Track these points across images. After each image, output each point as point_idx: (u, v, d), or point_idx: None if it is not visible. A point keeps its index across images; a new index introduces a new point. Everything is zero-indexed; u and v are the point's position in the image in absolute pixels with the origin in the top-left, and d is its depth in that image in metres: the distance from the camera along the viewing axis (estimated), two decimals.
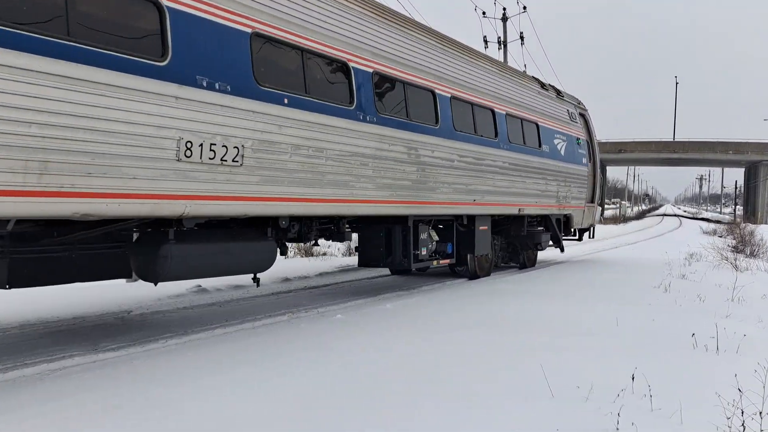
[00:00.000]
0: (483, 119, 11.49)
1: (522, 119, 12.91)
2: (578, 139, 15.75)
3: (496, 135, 11.78)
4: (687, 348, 6.08)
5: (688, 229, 43.23)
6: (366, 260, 10.35)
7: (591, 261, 17.19)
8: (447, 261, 11.26)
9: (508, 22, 32.75)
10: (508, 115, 12.28)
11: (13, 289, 6.44)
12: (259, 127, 6.83)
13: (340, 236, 9.14)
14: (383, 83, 9.04)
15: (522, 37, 33.62)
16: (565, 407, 4.37)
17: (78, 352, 6.29)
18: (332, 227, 9.05)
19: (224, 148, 6.43)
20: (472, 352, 5.92)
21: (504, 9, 32.80)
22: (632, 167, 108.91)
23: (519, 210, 12.79)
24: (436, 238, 10.96)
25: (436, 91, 10.14)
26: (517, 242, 14.30)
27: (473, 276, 12.49)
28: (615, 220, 56.32)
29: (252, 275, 7.79)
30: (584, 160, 16.04)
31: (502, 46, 32.59)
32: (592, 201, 16.75)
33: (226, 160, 6.46)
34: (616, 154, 64.01)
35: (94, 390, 4.83)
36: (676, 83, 76.31)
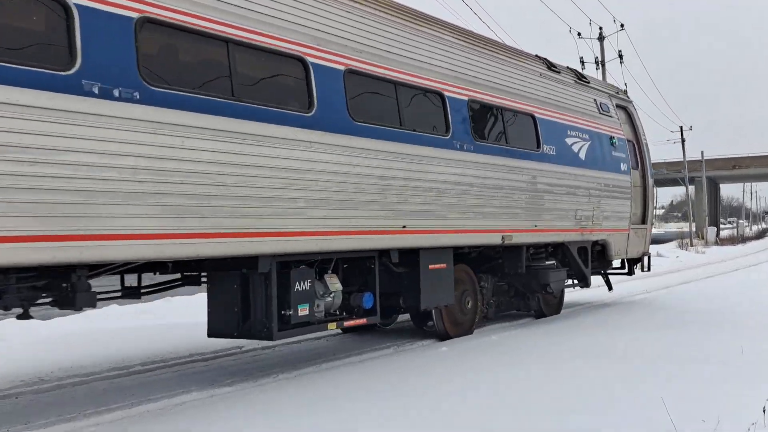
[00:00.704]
0: (419, 106, 8.13)
1: (503, 108, 9.37)
2: (612, 137, 11.79)
3: (448, 130, 8.29)
4: None
5: None
6: (215, 328, 6.76)
7: (680, 293, 14.66)
8: (362, 321, 7.49)
9: (606, 42, 32.12)
10: (473, 101, 8.82)
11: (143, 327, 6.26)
12: None
13: (70, 300, 5.29)
14: (153, 36, 5.53)
15: (621, 56, 32.85)
16: None
17: (196, 388, 6.57)
18: (64, 284, 5.29)
19: None
20: (580, 385, 5.71)
21: (600, 28, 32.23)
22: (749, 183, 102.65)
23: (502, 238, 9.05)
24: (337, 287, 7.10)
25: (310, 58, 6.64)
26: (516, 283, 10.39)
27: (443, 336, 8.87)
28: (732, 240, 53.98)
29: None
30: (623, 166, 11.96)
31: (600, 65, 31.93)
32: (643, 222, 12.66)
33: None
34: (730, 170, 60.66)
35: (210, 425, 5.02)
36: None
